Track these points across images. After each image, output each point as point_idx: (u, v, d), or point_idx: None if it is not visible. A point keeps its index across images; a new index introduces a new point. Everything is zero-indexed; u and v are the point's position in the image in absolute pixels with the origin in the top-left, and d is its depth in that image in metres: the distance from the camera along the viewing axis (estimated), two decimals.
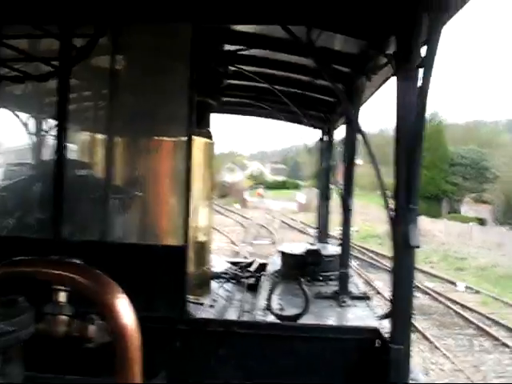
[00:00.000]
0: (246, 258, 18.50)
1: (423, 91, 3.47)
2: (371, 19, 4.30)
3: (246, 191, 79.45)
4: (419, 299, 22.53)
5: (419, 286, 24.20)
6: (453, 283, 26.92)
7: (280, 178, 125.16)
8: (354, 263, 26.31)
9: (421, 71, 3.49)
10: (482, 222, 52.81)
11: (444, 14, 3.29)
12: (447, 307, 21.77)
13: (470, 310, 21.21)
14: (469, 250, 37.13)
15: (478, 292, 25.32)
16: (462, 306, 21.78)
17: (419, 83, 3.51)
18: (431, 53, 3.39)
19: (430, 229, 43.06)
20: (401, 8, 3.73)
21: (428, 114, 59.20)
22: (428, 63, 3.42)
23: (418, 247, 3.61)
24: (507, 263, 32.32)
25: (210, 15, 4.27)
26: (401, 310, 3.70)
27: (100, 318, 2.65)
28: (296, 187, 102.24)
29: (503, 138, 78.61)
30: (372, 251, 35.85)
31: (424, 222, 46.35)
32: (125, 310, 2.42)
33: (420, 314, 20.35)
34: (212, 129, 7.30)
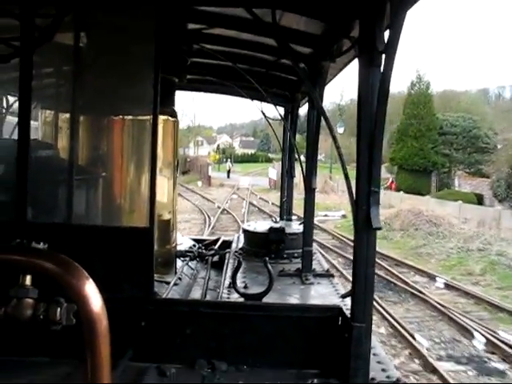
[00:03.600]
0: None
1: (385, 77, 3.52)
2: (335, 2, 4.33)
3: (210, 166, 71.94)
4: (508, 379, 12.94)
5: (490, 338, 14.68)
6: None
7: (250, 151, 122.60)
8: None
9: (383, 56, 3.54)
10: (479, 198, 46.90)
11: (407, 1, 3.32)
12: None
13: None
14: None
15: None
16: None
17: (381, 69, 3.57)
18: (394, 38, 3.42)
19: (442, 214, 33.68)
20: None
21: (414, 77, 53.55)
22: (390, 49, 3.45)
23: (379, 229, 3.71)
24: None
25: None
26: (362, 288, 3.81)
27: (66, 301, 2.68)
28: (267, 160, 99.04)
29: (482, 108, 73.28)
30: (387, 257, 24.64)
31: (431, 205, 37.88)
32: (92, 293, 2.45)
33: None
34: (177, 106, 7.30)
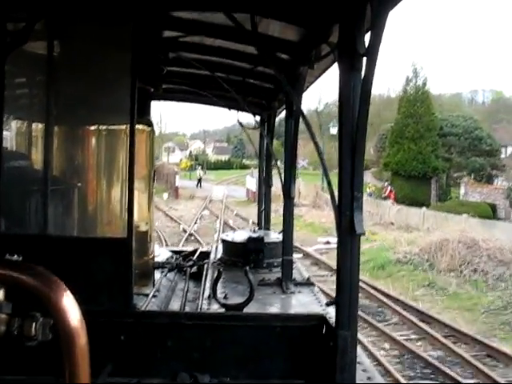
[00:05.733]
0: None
1: (367, 80, 3.48)
2: (314, 7, 4.29)
3: (178, 176, 60.77)
4: None
5: None
6: None
7: (224, 157, 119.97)
8: None
9: (364, 60, 3.49)
10: (493, 209, 41.50)
11: (388, 3, 3.28)
12: None
13: None
14: None
15: None
16: None
17: (363, 72, 3.52)
18: (375, 41, 3.35)
19: (484, 244, 22.02)
20: None
21: (408, 75, 48.99)
22: (372, 51, 3.39)
23: (363, 234, 3.65)
24: None
25: (150, 3, 4.17)
26: (347, 295, 3.73)
27: (42, 315, 2.57)
28: (242, 167, 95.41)
29: (465, 110, 69.12)
30: (457, 332, 14.26)
31: (472, 227, 25.91)
32: (69, 307, 2.34)
33: None
34: (152, 114, 7.21)
